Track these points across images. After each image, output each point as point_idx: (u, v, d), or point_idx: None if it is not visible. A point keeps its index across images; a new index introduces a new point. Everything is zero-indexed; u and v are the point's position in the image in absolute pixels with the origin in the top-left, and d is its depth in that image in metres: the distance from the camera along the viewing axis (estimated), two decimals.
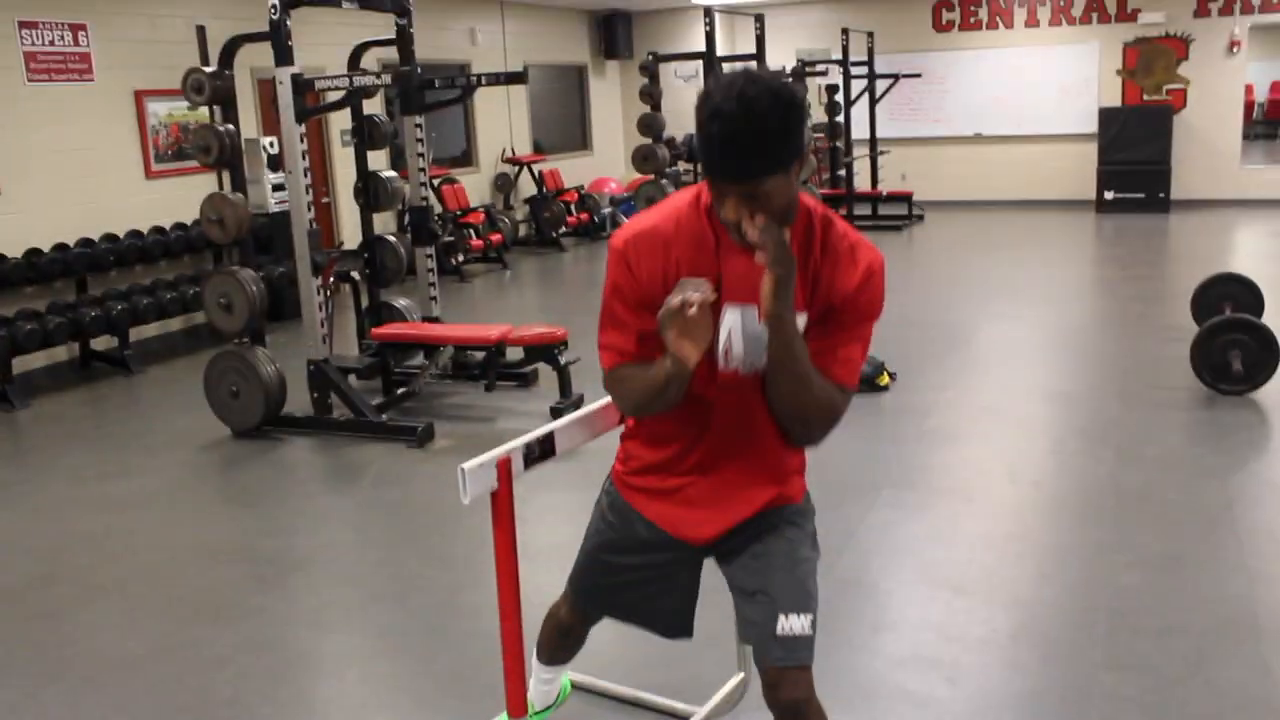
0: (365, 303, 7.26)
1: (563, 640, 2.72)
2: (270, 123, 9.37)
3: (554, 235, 13.21)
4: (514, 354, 6.51)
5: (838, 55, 13.43)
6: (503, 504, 2.20)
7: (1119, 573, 3.96)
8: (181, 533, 4.89)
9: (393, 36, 6.49)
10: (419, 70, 6.19)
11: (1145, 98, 14.19)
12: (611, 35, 15.38)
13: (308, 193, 6.04)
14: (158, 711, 3.35)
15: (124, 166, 8.64)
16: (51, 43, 8.00)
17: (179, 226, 8.85)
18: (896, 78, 13.93)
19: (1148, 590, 3.81)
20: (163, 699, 3.42)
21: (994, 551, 4.21)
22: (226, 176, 6.18)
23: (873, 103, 13.96)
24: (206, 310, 6.20)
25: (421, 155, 6.84)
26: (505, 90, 13.24)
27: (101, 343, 8.05)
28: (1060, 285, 9.66)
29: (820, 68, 12.84)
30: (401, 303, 7.17)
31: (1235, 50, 13.72)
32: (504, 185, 13.26)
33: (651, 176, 9.91)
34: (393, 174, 7.01)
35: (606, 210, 14.12)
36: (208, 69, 6.07)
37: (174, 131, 9.01)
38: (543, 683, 2.90)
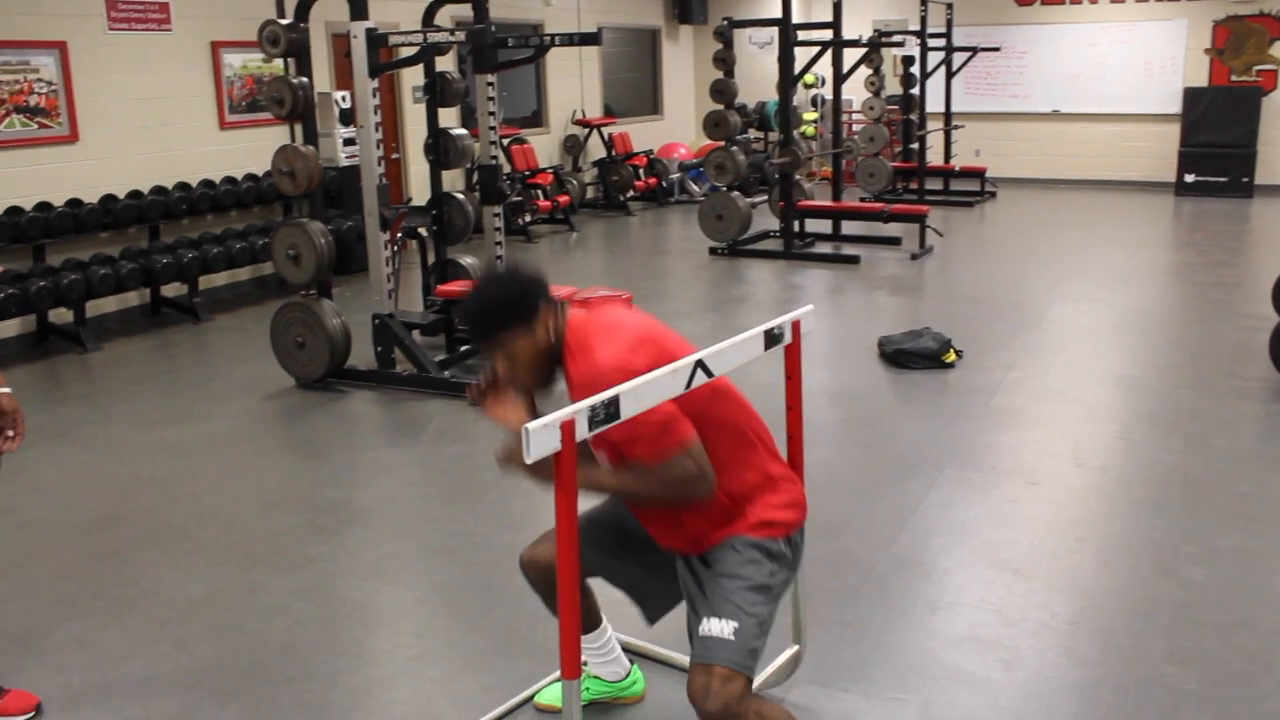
0: (431, 259, 7.28)
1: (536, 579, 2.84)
2: (343, 77, 9.41)
3: (621, 199, 13.17)
4: None
5: (915, 26, 13.19)
6: (566, 465, 2.19)
7: (1184, 564, 3.87)
8: (243, 479, 4.96)
9: None
10: (493, 28, 6.17)
11: (1233, 78, 13.78)
12: None
13: (378, 148, 6.06)
14: (216, 654, 3.41)
15: (199, 116, 8.73)
16: None
17: (250, 177, 8.93)
18: (974, 51, 13.66)
19: (1214, 584, 3.73)
20: (220, 642, 3.47)
21: (1056, 536, 4.14)
22: (298, 129, 6.22)
23: (949, 76, 13.71)
24: (275, 261, 6.25)
25: (492, 114, 6.82)
26: (578, 52, 13.19)
27: (171, 289, 8.18)
28: (1135, 268, 9.45)
29: (897, 38, 12.62)
30: (467, 260, 7.18)
31: None
32: (573, 147, 13.23)
33: (722, 143, 9.82)
34: (463, 132, 7.00)
35: (675, 175, 14.05)
36: (284, 21, 6.09)
37: (248, 83, 9.08)
38: (594, 654, 2.93)
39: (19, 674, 3.29)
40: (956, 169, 13.81)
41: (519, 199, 11.21)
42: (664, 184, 13.83)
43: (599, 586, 2.88)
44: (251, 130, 9.07)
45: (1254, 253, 10.45)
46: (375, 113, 6.01)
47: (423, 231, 7.23)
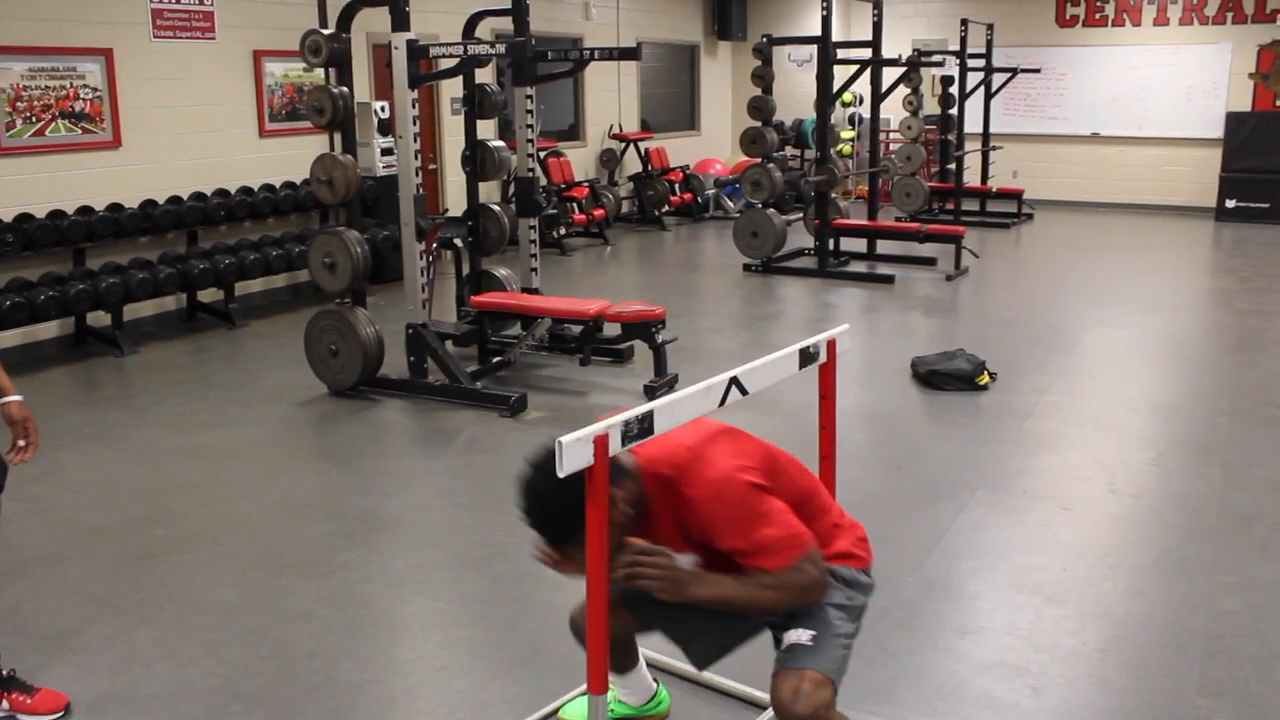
0: (466, 270, 7.31)
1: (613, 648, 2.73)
2: (383, 87, 9.49)
3: (657, 214, 13.19)
4: (611, 330, 6.50)
5: (955, 46, 13.15)
6: (598, 480, 2.19)
7: (1220, 595, 3.82)
8: (274, 485, 4.99)
9: (508, 7, 6.51)
10: (532, 42, 6.20)
11: (1278, 103, 13.65)
12: (725, 16, 15.27)
13: (416, 158, 6.09)
14: (243, 658, 3.42)
15: (239, 124, 8.82)
16: (178, 0, 8.18)
17: (288, 185, 9.01)
18: (1014, 72, 13.60)
19: (1249, 615, 3.67)
20: (248, 647, 3.49)
21: (1089, 562, 4.10)
22: (338, 138, 6.26)
23: (988, 96, 13.65)
24: (311, 269, 6.30)
25: (530, 127, 6.85)
26: (616, 66, 13.24)
27: (208, 295, 8.25)
28: (1173, 294, 9.36)
29: (936, 58, 12.58)
30: (502, 272, 7.20)
31: None
32: (609, 161, 13.26)
33: (758, 160, 9.81)
34: (500, 144, 7.03)
35: (711, 191, 14.05)
36: (326, 31, 6.15)
37: (289, 92, 9.17)
38: (623, 686, 2.92)
39: (48, 672, 3.32)
40: (994, 190, 13.74)
41: (554, 212, 11.25)
42: (699, 200, 13.84)
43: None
44: (291, 138, 9.15)
45: None
46: (414, 123, 6.05)
47: (458, 242, 7.27)
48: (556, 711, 3.07)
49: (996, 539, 4.31)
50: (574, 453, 2.13)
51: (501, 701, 3.17)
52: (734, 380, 2.56)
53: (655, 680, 3.06)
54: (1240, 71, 13.76)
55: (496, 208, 7.14)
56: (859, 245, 10.67)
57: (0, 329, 6.81)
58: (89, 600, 3.84)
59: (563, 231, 11.45)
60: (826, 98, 9.86)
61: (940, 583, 3.90)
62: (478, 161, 6.99)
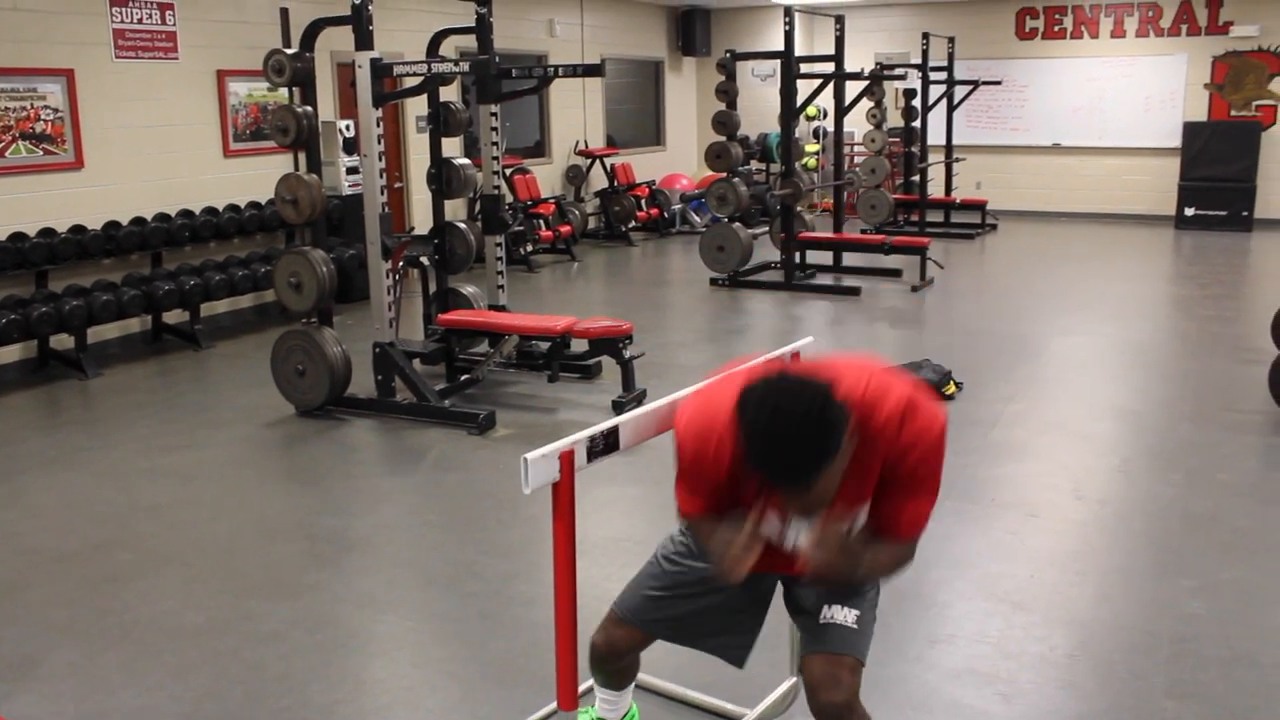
0: (433, 288, 7.30)
1: (619, 662, 2.72)
2: (347, 106, 9.48)
3: (623, 229, 13.22)
4: (579, 346, 6.51)
5: (917, 59, 13.28)
6: (564, 495, 2.19)
7: (1184, 598, 3.86)
8: (242, 507, 4.95)
9: (472, 25, 6.53)
10: (496, 59, 6.21)
11: (1233, 113, 13.86)
12: (689, 31, 15.35)
13: (381, 177, 6.08)
14: (212, 682, 3.39)
15: (203, 144, 8.78)
16: (140, 20, 8.14)
17: (253, 205, 8.97)
18: (976, 84, 13.73)
19: (1214, 618, 3.72)
20: (217, 670, 3.46)
21: (1056, 569, 4.13)
22: (302, 158, 6.25)
23: (950, 109, 13.78)
24: (277, 289, 6.27)
25: (495, 144, 6.86)
26: (581, 82, 13.27)
27: (173, 316, 8.19)
28: (1135, 301, 9.47)
29: (899, 71, 12.69)
30: (469, 290, 7.20)
31: None
32: (575, 177, 13.29)
33: (724, 174, 9.86)
34: (466, 161, 7.03)
35: (677, 206, 14.09)
36: (289, 51, 6.14)
37: (253, 111, 9.14)
38: (606, 704, 2.91)
39: (12, 701, 3.28)
40: (957, 201, 13.86)
41: (521, 229, 11.25)
42: (666, 215, 13.88)
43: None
44: (255, 158, 9.12)
45: (1253, 286, 10.48)
46: (379, 142, 6.05)
47: (424, 260, 7.26)
48: None
49: (965, 548, 4.34)
50: (539, 469, 2.14)
51: (473, 719, 3.16)
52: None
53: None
54: (1196, 82, 13.97)
55: (463, 225, 7.13)
56: (825, 258, 10.73)
57: None
58: (53, 627, 3.79)
59: (529, 248, 11.45)
60: (790, 112, 9.92)
61: (909, 592, 3.92)
62: (443, 179, 6.99)
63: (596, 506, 4.68)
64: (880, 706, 3.18)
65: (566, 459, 2.18)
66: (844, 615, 2.30)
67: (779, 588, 2.53)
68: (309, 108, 6.17)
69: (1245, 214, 13.43)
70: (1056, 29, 14.63)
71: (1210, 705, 3.18)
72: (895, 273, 10.35)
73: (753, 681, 3.14)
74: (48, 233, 7.47)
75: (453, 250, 7.10)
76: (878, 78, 11.64)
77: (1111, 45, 14.37)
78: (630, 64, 14.87)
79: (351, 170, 9.36)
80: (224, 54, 8.80)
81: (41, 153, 7.56)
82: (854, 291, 9.75)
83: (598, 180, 13.54)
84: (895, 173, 13.70)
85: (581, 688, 2.81)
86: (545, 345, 6.47)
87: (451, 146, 7.79)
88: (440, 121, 6.97)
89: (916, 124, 13.22)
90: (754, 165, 15.00)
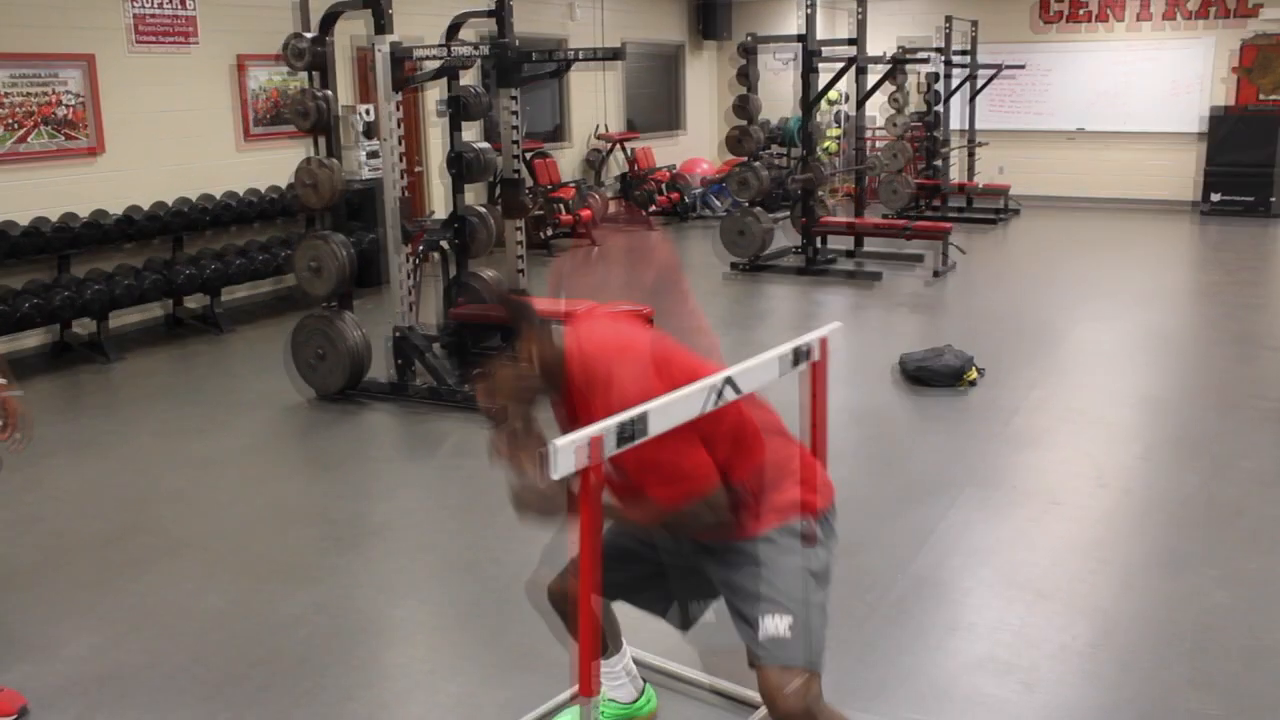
0: (452, 273, 7.28)
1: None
2: (366, 91, 9.47)
3: (644, 214, 13.17)
4: None
5: (939, 44, 13.18)
6: (591, 482, 2.17)
7: (1208, 588, 3.82)
8: (261, 492, 4.97)
9: (491, 9, 6.49)
10: (516, 44, 6.18)
11: (1260, 99, 13.70)
12: (710, 16, 15.27)
13: (400, 162, 6.08)
14: (232, 666, 3.40)
15: (223, 130, 8.79)
16: (159, 6, 8.15)
17: (273, 190, 8.98)
18: (998, 69, 13.62)
19: (1238, 608, 3.68)
20: (237, 654, 3.47)
21: (1078, 557, 4.10)
22: (321, 143, 6.24)
23: (972, 94, 13.68)
24: (296, 274, 6.27)
25: (515, 129, 6.82)
26: (600, 67, 13.23)
27: (193, 301, 8.22)
28: (1158, 289, 9.39)
29: (920, 56, 12.59)
30: (489, 274, 7.18)
31: None
32: (595, 162, 13.25)
33: (744, 159, 9.81)
34: (485, 145, 7.00)
35: (697, 191, 14.05)
36: (308, 36, 6.13)
37: (272, 97, 9.14)
38: (610, 677, 2.90)
39: (35, 682, 3.30)
40: (979, 187, 13.77)
41: (541, 213, 11.23)
42: (685, 200, 13.84)
43: (624, 610, 2.85)
44: (275, 143, 9.12)
45: (1278, 274, 10.37)
46: (398, 127, 6.04)
47: (444, 245, 7.24)
48: (548, 715, 3.06)
49: (985, 535, 4.31)
50: (567, 455, 2.12)
51: (493, 705, 3.16)
52: (728, 380, 2.55)
53: (643, 679, 3.05)
54: (1222, 67, 13.81)
55: (482, 210, 7.12)
56: (845, 244, 10.68)
57: None
58: (75, 610, 3.81)
59: (549, 233, 11.44)
60: (811, 97, 9.87)
61: (929, 580, 3.90)
62: (462, 164, 6.96)
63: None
64: (900, 694, 3.17)
65: (596, 445, 2.16)
66: (776, 626, 2.36)
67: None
68: (328, 93, 6.16)
69: (1270, 201, 13.29)
70: (1081, 13, 14.48)
71: (1234, 696, 3.15)
72: (916, 259, 10.29)
73: None
74: (69, 218, 7.50)
75: (472, 235, 7.08)
76: (899, 62, 11.56)
77: (1136, 30, 14.22)
78: (650, 48, 14.81)
79: (370, 155, 9.35)
80: (243, 39, 8.80)
81: (63, 138, 7.59)
82: (875, 277, 9.70)
83: (617, 165, 13.50)
84: (916, 158, 13.61)
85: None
86: None
87: (471, 131, 7.77)
88: (459, 107, 6.94)
89: (938, 109, 13.13)
90: (774, 150, 14.92)
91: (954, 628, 3.58)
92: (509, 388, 2.38)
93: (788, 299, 9.12)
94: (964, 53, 13.41)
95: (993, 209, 13.54)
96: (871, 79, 11.19)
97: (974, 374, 6.33)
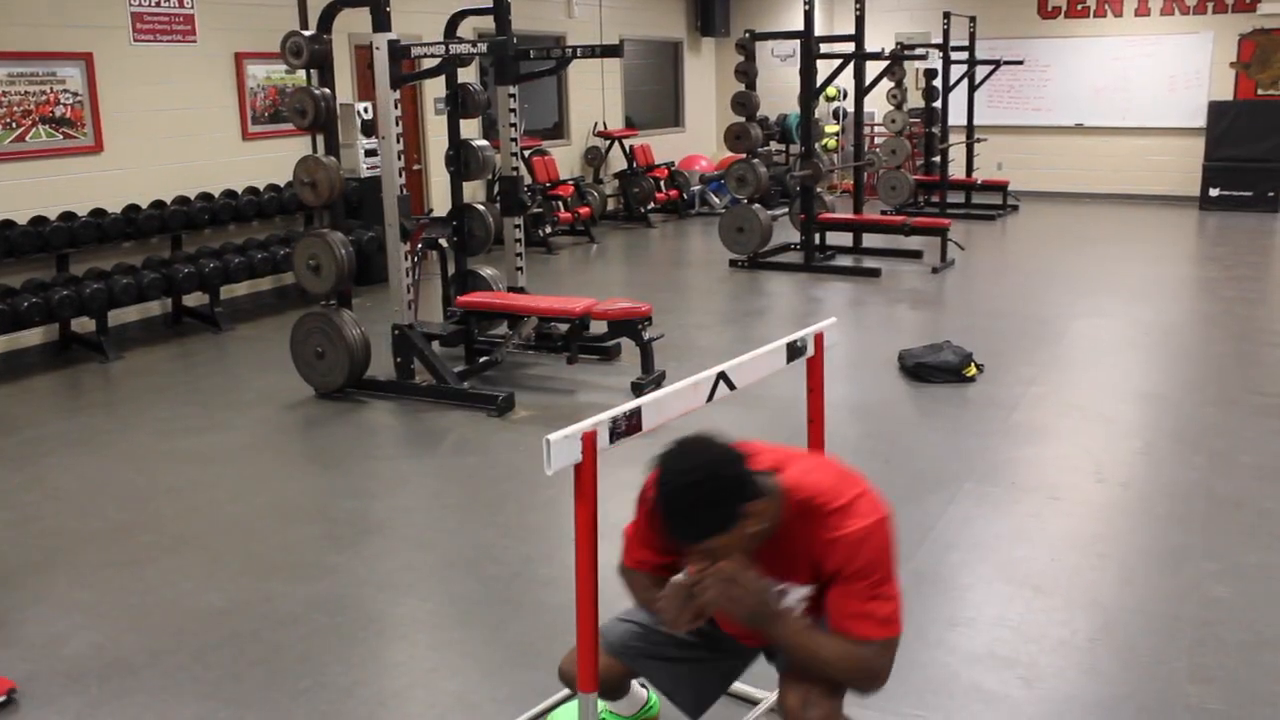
0: (451, 270, 7.30)
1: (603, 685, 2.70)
2: (365, 88, 9.47)
3: (642, 211, 13.18)
4: (598, 328, 6.50)
5: (938, 39, 13.17)
6: (586, 477, 2.18)
7: (1208, 582, 3.83)
8: (262, 489, 4.97)
9: (489, 6, 6.50)
10: (514, 40, 6.18)
11: (1260, 92, 13.69)
12: (708, 12, 15.26)
13: (399, 159, 6.07)
14: (233, 664, 3.41)
15: (222, 127, 8.78)
16: (158, 3, 8.14)
17: (272, 188, 8.98)
18: (997, 64, 13.61)
19: (1238, 602, 3.68)
20: (238, 652, 3.47)
21: (1077, 552, 4.10)
22: (320, 140, 6.24)
23: (972, 89, 13.67)
24: (296, 271, 6.27)
25: (514, 125, 6.84)
26: (599, 63, 13.22)
27: (193, 299, 8.22)
28: (1158, 283, 9.39)
29: (919, 51, 12.59)
30: (488, 272, 7.19)
31: None
32: (594, 159, 13.25)
33: (743, 155, 9.81)
34: (484, 143, 7.01)
35: (696, 188, 14.05)
36: (307, 33, 6.13)
37: (271, 94, 9.14)
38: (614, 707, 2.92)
39: (35, 681, 3.30)
40: (979, 182, 13.77)
41: (540, 210, 11.23)
42: (685, 196, 13.83)
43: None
44: (274, 141, 9.12)
45: (1279, 268, 10.37)
46: (397, 124, 6.04)
47: (443, 242, 7.25)
48: (547, 712, 3.06)
49: (985, 530, 4.32)
50: (562, 450, 2.13)
51: (492, 702, 3.16)
52: (721, 375, 2.56)
53: (644, 687, 3.05)
54: (1222, 61, 13.80)
55: (481, 207, 7.12)
56: (845, 239, 10.68)
57: None
58: (76, 608, 3.82)
59: (548, 230, 11.43)
60: (810, 92, 9.86)
61: (929, 575, 3.91)
62: (461, 161, 6.97)
63: (616, 489, 4.66)
64: (900, 690, 3.17)
65: (589, 440, 2.16)
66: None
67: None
68: (327, 90, 6.16)
69: (1271, 195, 13.28)
70: (1080, 7, 14.46)
71: (1234, 690, 3.15)
72: (916, 254, 10.29)
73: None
74: (68, 216, 7.50)
75: (471, 232, 7.09)
76: (898, 58, 11.56)
77: (1135, 24, 14.21)
78: (649, 44, 14.80)
79: (370, 152, 9.35)
80: (242, 36, 8.80)
81: (61, 137, 7.58)
82: (874, 273, 9.70)
83: (617, 162, 13.50)
84: (916, 153, 13.61)
85: None
86: (564, 327, 6.46)
87: (470, 128, 7.77)
88: (458, 103, 6.95)
89: (937, 104, 13.11)
90: (773, 146, 14.92)
91: (954, 623, 3.59)
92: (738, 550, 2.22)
93: (787, 295, 9.12)
94: (963, 48, 13.40)
95: (992, 204, 13.53)
96: (870, 75, 11.17)
97: (973, 369, 6.34)
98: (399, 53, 5.97)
